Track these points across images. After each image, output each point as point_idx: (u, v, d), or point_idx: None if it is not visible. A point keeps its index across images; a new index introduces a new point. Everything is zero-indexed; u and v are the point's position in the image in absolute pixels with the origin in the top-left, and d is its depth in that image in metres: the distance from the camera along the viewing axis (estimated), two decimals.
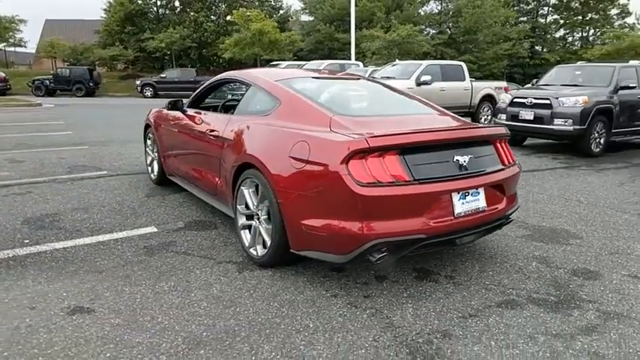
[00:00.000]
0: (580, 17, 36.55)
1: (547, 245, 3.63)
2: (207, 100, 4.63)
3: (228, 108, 4.63)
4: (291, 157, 2.74)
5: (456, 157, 2.76)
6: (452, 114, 3.50)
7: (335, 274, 3.03)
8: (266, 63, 22.04)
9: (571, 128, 7.49)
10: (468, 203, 2.75)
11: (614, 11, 35.55)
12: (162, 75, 26.54)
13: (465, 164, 2.78)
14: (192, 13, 33.81)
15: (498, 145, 3.10)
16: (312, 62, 18.14)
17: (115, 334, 2.31)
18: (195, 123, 4.11)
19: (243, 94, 3.75)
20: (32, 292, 2.72)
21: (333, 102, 3.20)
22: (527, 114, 8.05)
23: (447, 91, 12.11)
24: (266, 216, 3.04)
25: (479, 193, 2.82)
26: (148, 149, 5.49)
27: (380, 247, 2.53)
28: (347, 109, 3.08)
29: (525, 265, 3.25)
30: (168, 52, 32.81)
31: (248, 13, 21.39)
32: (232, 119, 3.55)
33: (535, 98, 8.06)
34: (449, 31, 33.09)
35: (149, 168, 5.49)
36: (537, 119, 7.90)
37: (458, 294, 2.80)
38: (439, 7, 36.36)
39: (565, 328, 2.45)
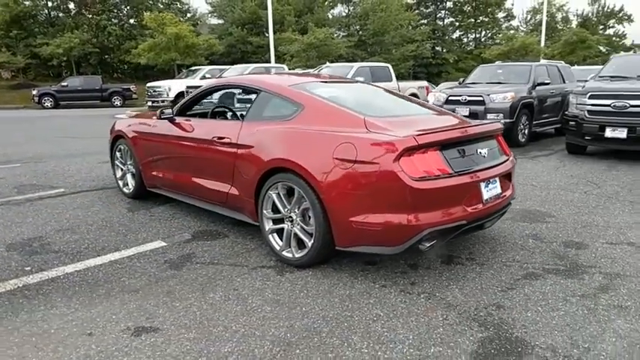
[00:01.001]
0: (473, 20, 40.16)
1: (531, 225, 4.13)
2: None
3: (216, 114, 4.58)
4: (336, 159, 2.86)
5: (479, 150, 3.09)
6: (449, 112, 3.85)
7: (371, 267, 3.20)
8: (186, 68, 21.29)
9: (502, 122, 8.37)
10: (490, 191, 3.09)
11: (500, 15, 39.60)
12: (63, 83, 24.33)
13: (485, 156, 3.12)
14: (90, 16, 31.42)
15: (499, 139, 3.50)
16: (236, 66, 17.93)
17: (199, 347, 2.28)
18: (192, 131, 4.02)
19: (248, 100, 3.76)
20: (76, 319, 2.54)
21: (356, 104, 3.37)
22: (463, 110, 8.82)
23: None
24: (301, 217, 3.13)
25: (496, 181, 3.17)
26: (117, 162, 5.19)
27: (431, 235, 2.76)
28: (371, 110, 3.26)
29: (524, 242, 3.69)
30: (65, 59, 30.16)
31: (162, 17, 20.46)
32: (245, 125, 3.55)
33: (469, 95, 8.88)
34: (358, 34, 34.45)
35: (120, 182, 5.19)
36: (472, 115, 8.68)
37: (486, 272, 3.13)
38: (347, 11, 37.74)
39: (585, 289, 2.87)
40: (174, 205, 4.75)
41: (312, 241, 3.05)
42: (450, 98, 9.18)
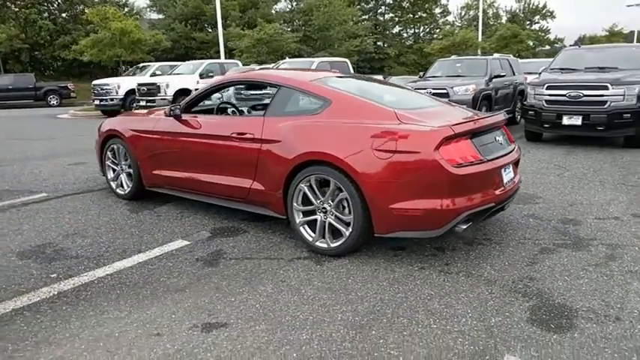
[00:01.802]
0: (411, 15, 41.60)
1: (525, 206, 4.50)
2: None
3: (222, 111, 4.55)
4: (376, 149, 3.00)
5: (497, 138, 3.35)
6: (454, 104, 4.10)
7: (402, 252, 3.37)
8: (131, 65, 20.34)
9: None
10: (507, 175, 3.37)
11: (437, 10, 41.32)
12: None
13: (502, 144, 3.39)
14: (17, 10, 29.13)
15: (505, 129, 3.78)
16: (189, 62, 17.42)
17: (277, 337, 2.34)
18: (205, 128, 3.98)
19: (267, 96, 3.79)
20: (135, 321, 2.50)
21: (379, 98, 3.51)
22: None
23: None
24: (337, 208, 3.23)
25: (510, 167, 3.45)
26: (109, 163, 5.00)
27: (467, 217, 2.98)
28: (395, 103, 3.42)
29: (526, 222, 4.03)
30: None
31: (105, 12, 19.35)
32: (268, 120, 3.59)
33: (433, 88, 9.29)
34: (303, 29, 34.62)
35: (112, 183, 5.01)
36: None
37: (506, 250, 3.40)
38: (290, 6, 37.75)
39: (597, 259, 3.22)
40: (176, 204, 4.67)
41: (350, 229, 3.16)
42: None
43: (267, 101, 4.73)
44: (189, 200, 4.62)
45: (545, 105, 7.77)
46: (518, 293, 2.74)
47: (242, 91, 5.08)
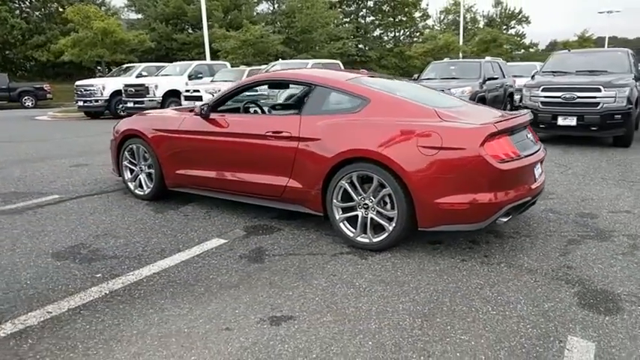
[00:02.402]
0: (392, 19, 42.13)
1: (541, 201, 4.66)
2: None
3: (246, 109, 4.58)
4: (421, 146, 3.10)
5: (527, 136, 3.50)
6: (478, 103, 4.24)
7: (440, 246, 3.48)
8: (115, 65, 19.95)
9: None
10: (537, 171, 3.51)
11: (417, 14, 41.97)
12: None
13: (532, 142, 3.53)
14: None
15: (530, 128, 3.93)
16: (176, 63, 17.22)
17: (348, 327, 2.40)
18: (236, 127, 4.01)
19: (300, 95, 3.85)
20: (200, 317, 2.52)
21: (415, 97, 3.61)
22: None
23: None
24: (379, 203, 3.31)
25: (539, 163, 3.60)
26: (126, 163, 4.95)
27: (508, 211, 3.11)
28: (432, 102, 3.53)
29: (547, 216, 4.19)
30: None
31: (87, 10, 18.90)
32: (305, 119, 3.64)
33: None
34: (285, 31, 34.64)
35: (130, 184, 4.96)
36: None
37: (537, 242, 3.55)
38: (272, 8, 37.74)
39: (622, 249, 3.39)
40: (199, 203, 4.66)
41: (394, 224, 3.25)
42: None
43: (279, 100, 4.81)
44: (211, 199, 4.64)
45: (541, 106, 8.04)
46: (561, 280, 2.88)
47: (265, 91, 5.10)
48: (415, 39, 40.38)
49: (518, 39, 41.36)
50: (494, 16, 43.10)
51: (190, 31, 32.71)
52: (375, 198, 3.33)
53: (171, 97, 14.90)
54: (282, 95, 5.18)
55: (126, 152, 4.91)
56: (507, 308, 2.56)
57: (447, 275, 2.99)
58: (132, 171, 4.95)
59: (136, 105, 14.82)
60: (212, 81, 14.87)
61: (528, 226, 3.92)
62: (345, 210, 3.50)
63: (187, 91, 13.95)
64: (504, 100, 11.05)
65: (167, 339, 2.32)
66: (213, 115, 4.20)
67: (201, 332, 2.38)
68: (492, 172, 3.00)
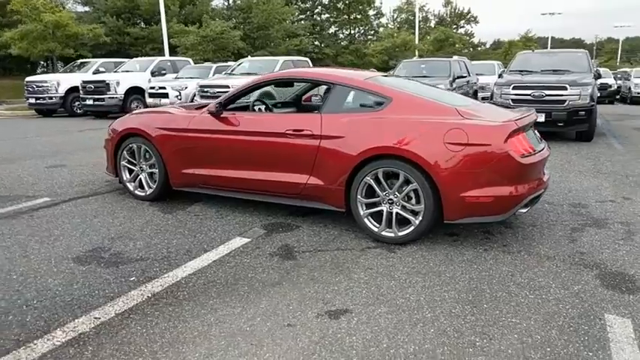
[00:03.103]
0: (347, 16, 42.58)
1: None
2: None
3: (255, 107, 4.58)
4: (448, 143, 3.25)
5: (535, 134, 3.75)
6: (485, 101, 4.47)
7: (458, 237, 3.66)
8: (68, 61, 18.86)
9: None
10: (545, 167, 3.77)
11: (371, 12, 42.69)
12: None
13: (538, 139, 3.79)
14: None
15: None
16: (137, 59, 16.59)
17: (405, 316, 2.51)
18: (251, 125, 4.01)
19: (320, 94, 3.90)
20: (256, 315, 2.55)
21: (432, 96, 3.76)
22: None
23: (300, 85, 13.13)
24: (405, 198, 3.44)
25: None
26: (124, 163, 4.80)
27: (528, 202, 3.33)
28: (450, 101, 3.69)
29: (543, 207, 4.47)
30: None
31: (35, 2, 17.70)
32: (326, 117, 3.70)
33: None
34: (242, 28, 34.16)
35: (129, 185, 4.82)
36: None
37: (544, 231, 3.81)
38: (226, 3, 37.09)
39: (620, 235, 3.71)
40: (206, 203, 4.61)
41: (420, 218, 3.39)
42: None
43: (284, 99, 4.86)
44: (218, 198, 4.61)
45: (512, 103, 8.49)
46: (579, 265, 3.14)
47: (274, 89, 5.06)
48: (370, 37, 41.07)
49: (467, 38, 43.11)
50: (445, 15, 44.72)
51: (143, 25, 31.54)
52: (400, 193, 3.45)
53: (134, 94, 14.39)
54: (287, 93, 5.18)
55: (125, 152, 4.75)
56: (542, 292, 2.77)
57: (476, 264, 3.17)
58: (131, 171, 4.81)
59: (96, 103, 14.20)
60: (177, 78, 14.48)
61: (531, 216, 4.19)
62: (368, 205, 3.60)
63: (152, 88, 13.49)
64: (470, 97, 11.54)
65: (233, 338, 2.33)
66: (225, 114, 4.17)
67: (264, 330, 2.41)
68: (515, 167, 3.20)
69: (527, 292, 2.77)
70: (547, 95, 8.18)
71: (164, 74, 15.08)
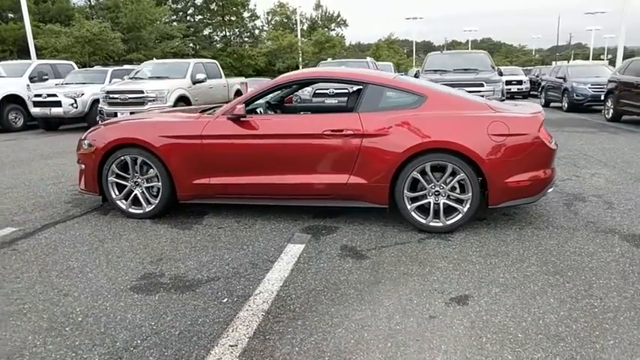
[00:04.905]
0: (221, 18, 41.66)
1: None
2: None
3: (273, 108, 4.42)
4: (492, 134, 3.57)
5: None
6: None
7: (486, 222, 4.03)
8: None
9: None
10: None
11: (246, 14, 42.38)
12: None
13: None
14: None
15: None
16: (4, 63, 14.14)
17: (520, 292, 2.74)
18: (280, 127, 3.88)
19: (353, 94, 3.93)
20: (388, 315, 2.55)
21: (458, 92, 4.05)
22: (333, 101, 10.01)
23: (214, 88, 12.69)
24: (451, 189, 3.68)
25: None
26: (112, 179, 4.23)
27: (552, 184, 3.83)
28: (475, 96, 4.02)
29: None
30: None
31: None
32: (364, 116, 3.76)
33: (335, 89, 10.09)
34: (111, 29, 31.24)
35: (120, 202, 4.26)
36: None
37: (556, 207, 4.38)
38: (89, 2, 33.55)
39: (605, 205, 4.46)
40: (216, 214, 4.32)
41: (468, 206, 3.67)
42: (318, 91, 10.21)
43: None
44: (228, 208, 4.38)
45: None
46: (600, 232, 3.71)
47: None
48: (247, 39, 40.81)
49: (342, 40, 45.50)
50: (317, 18, 46.51)
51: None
52: (446, 185, 3.69)
53: (10, 103, 12.32)
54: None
55: (113, 166, 4.19)
56: (596, 256, 3.24)
57: (527, 242, 3.54)
58: (121, 187, 4.26)
59: None
60: (65, 84, 12.76)
61: (556, 202, 4.69)
62: (413, 199, 3.76)
63: (38, 95, 11.65)
64: None
65: (394, 339, 2.31)
66: (253, 117, 3.96)
67: (414, 325, 2.42)
68: (548, 152, 3.67)
69: (587, 259, 3.21)
70: (468, 92, 9.17)
71: (46, 79, 13.21)
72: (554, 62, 44.03)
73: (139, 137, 4.07)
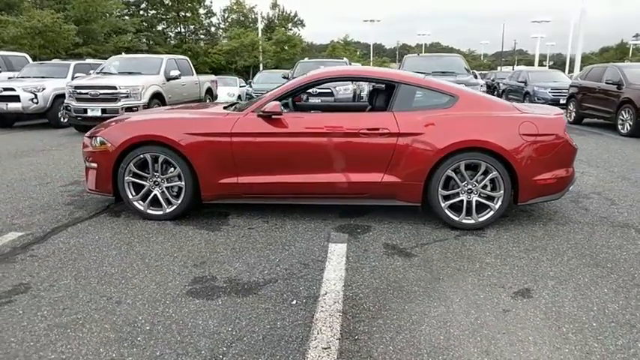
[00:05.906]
0: (175, 14, 40.40)
1: None
2: None
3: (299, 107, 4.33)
4: (523, 134, 3.71)
5: None
6: None
7: (510, 217, 4.18)
8: None
9: None
10: None
11: (202, 11, 41.36)
12: None
13: None
14: None
15: None
16: None
17: (574, 283, 2.87)
18: (315, 126, 3.84)
19: (381, 93, 3.94)
20: (465, 309, 2.59)
21: (484, 94, 4.16)
22: (316, 100, 9.99)
23: (186, 85, 12.29)
24: (483, 186, 3.79)
25: None
26: (129, 178, 4.00)
27: (573, 182, 4.03)
28: (497, 97, 4.14)
29: None
30: None
31: None
32: (399, 115, 3.79)
33: (319, 88, 10.07)
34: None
35: (138, 204, 4.04)
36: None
37: (566, 204, 4.60)
38: None
39: (609, 202, 4.74)
40: (239, 214, 4.20)
41: (500, 203, 3.79)
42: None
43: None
44: (251, 208, 4.30)
45: None
46: (617, 226, 3.95)
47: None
48: (202, 36, 39.82)
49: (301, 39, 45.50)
50: (273, 17, 46.16)
51: None
52: (479, 183, 3.79)
53: None
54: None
55: (131, 165, 3.96)
56: (625, 249, 3.45)
57: (557, 237, 3.71)
58: (138, 187, 4.04)
59: None
60: (21, 77, 11.89)
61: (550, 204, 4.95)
62: (446, 197, 3.84)
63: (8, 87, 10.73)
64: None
65: (482, 328, 2.35)
66: (286, 116, 3.88)
67: (493, 320, 2.47)
68: (571, 151, 3.87)
69: (617, 251, 3.42)
70: None
71: None
72: (499, 67, 46.23)
73: (162, 134, 3.88)
